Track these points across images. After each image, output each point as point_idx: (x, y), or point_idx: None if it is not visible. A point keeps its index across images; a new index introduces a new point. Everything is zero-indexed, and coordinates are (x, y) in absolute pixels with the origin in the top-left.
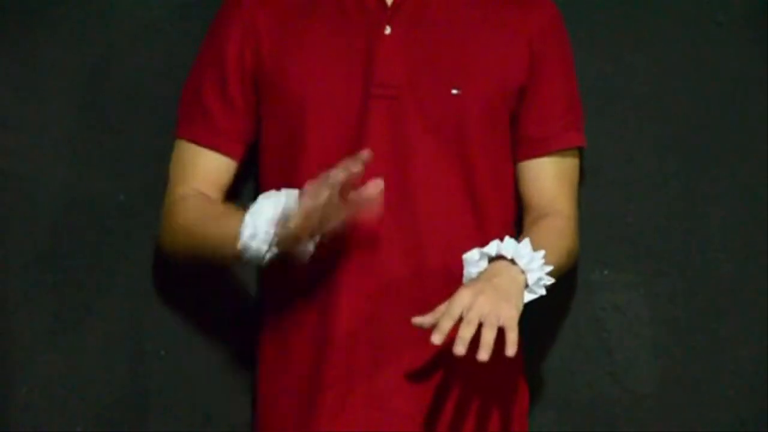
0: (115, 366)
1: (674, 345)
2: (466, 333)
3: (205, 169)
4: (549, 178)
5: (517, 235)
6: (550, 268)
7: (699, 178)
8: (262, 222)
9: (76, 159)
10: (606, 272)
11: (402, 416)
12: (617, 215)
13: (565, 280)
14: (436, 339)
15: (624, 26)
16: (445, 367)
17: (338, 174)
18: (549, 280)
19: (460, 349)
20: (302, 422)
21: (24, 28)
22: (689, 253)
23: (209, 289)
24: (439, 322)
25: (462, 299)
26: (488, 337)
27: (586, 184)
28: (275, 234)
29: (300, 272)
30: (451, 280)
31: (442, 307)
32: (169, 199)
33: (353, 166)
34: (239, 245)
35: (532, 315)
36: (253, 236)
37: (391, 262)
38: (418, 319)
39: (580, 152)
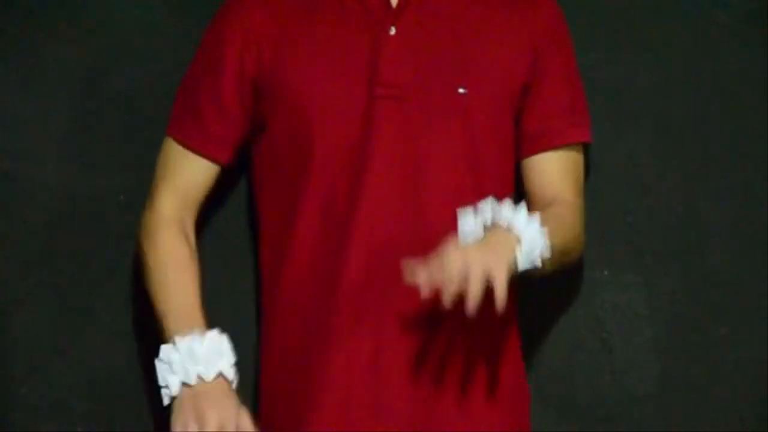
0: (115, 366)
1: (674, 345)
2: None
3: (189, 172)
4: (554, 173)
5: None
6: (546, 236)
7: (699, 178)
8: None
9: (76, 159)
10: (606, 272)
11: (403, 415)
12: (617, 215)
13: (565, 280)
14: (424, 291)
15: (624, 26)
16: (448, 366)
17: None
18: (546, 250)
19: (448, 300)
20: (303, 421)
21: (24, 28)
22: (689, 253)
23: (209, 288)
24: (443, 286)
25: (452, 258)
26: (475, 289)
27: (586, 184)
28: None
29: (305, 270)
30: None
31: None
32: (152, 209)
33: None
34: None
35: (533, 315)
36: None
37: (399, 263)
38: (409, 274)
39: (585, 149)
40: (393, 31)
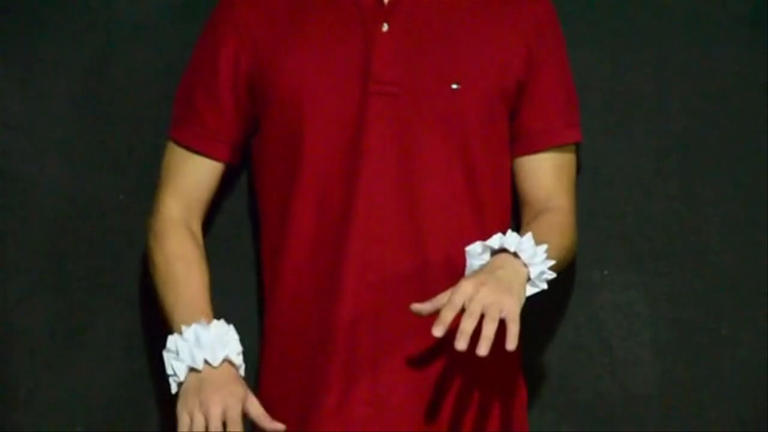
0: (115, 366)
1: (674, 345)
2: (468, 326)
3: (192, 173)
4: (547, 173)
5: (513, 229)
6: (552, 263)
7: (699, 178)
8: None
9: (76, 159)
10: (606, 272)
11: (403, 414)
12: (617, 215)
13: (564, 280)
14: (438, 331)
15: (624, 26)
16: (446, 364)
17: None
18: (551, 275)
19: (461, 344)
20: (304, 420)
21: (24, 28)
22: (689, 253)
23: (212, 288)
24: (441, 313)
25: (464, 290)
26: (489, 331)
27: (586, 183)
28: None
29: (302, 268)
30: (453, 273)
31: (443, 297)
32: (158, 212)
33: None
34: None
35: (532, 315)
36: (175, 356)
37: (394, 257)
38: (417, 306)
39: (577, 148)
40: (386, 27)
